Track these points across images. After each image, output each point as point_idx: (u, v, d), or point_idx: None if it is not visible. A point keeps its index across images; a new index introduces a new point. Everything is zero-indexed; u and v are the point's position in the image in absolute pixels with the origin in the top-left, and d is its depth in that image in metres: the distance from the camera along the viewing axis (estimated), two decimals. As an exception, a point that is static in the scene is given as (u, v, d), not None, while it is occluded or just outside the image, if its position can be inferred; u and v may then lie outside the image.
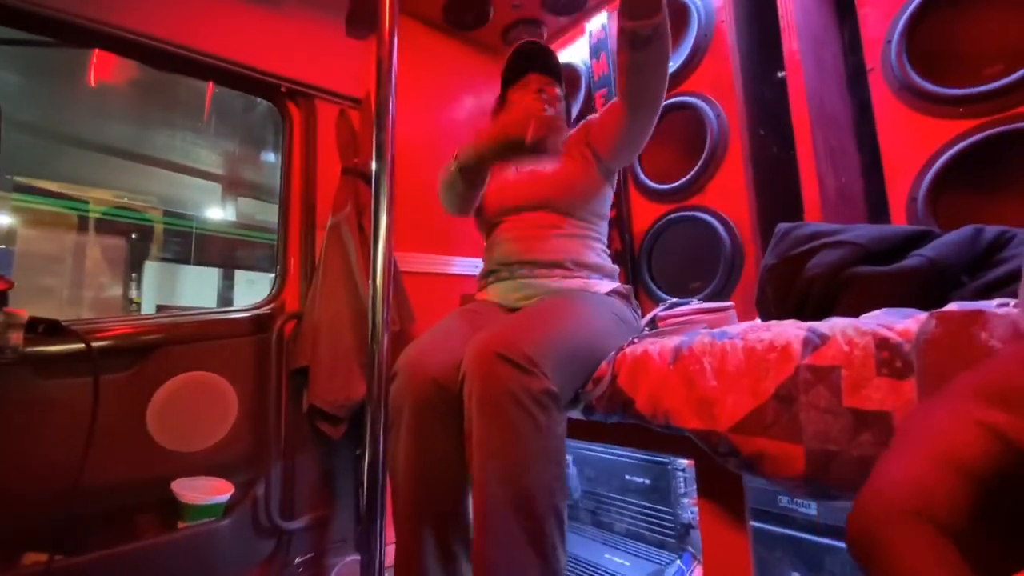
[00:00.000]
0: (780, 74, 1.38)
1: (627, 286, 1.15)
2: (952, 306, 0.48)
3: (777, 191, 1.42)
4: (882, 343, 0.58)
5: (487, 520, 0.74)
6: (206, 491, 1.17)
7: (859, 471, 0.57)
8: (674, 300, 1.26)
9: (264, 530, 1.27)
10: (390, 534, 0.91)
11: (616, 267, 1.21)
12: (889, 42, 1.16)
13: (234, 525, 1.19)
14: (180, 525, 1.13)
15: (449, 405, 0.87)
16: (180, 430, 1.18)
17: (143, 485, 1.14)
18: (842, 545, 0.89)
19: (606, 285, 1.12)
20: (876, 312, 0.66)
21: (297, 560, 1.32)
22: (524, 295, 1.10)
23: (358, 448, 1.42)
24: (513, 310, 1.09)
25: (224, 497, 1.18)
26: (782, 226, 0.95)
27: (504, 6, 1.78)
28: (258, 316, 1.36)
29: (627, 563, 1.17)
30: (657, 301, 1.49)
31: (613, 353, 0.88)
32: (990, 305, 0.42)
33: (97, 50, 1.76)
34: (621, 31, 0.96)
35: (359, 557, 1.01)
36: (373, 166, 0.97)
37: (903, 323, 0.59)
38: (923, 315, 0.53)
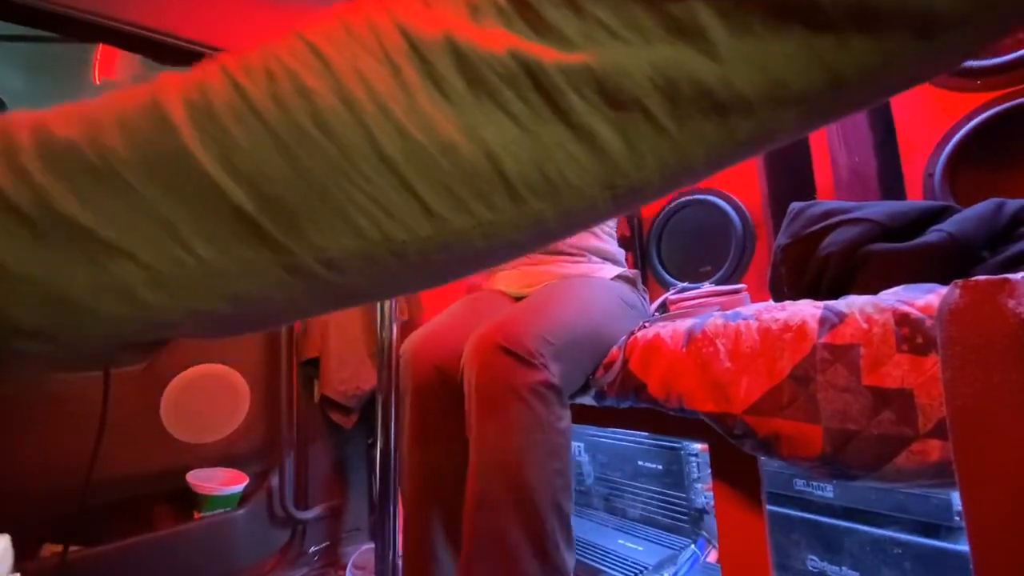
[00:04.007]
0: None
1: (634, 271, 1.13)
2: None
3: (788, 172, 1.40)
4: (902, 319, 0.57)
5: (480, 512, 0.72)
6: (221, 481, 1.18)
7: (879, 450, 0.56)
8: (685, 284, 1.24)
9: (279, 520, 1.28)
10: (402, 522, 0.91)
11: (622, 251, 1.19)
12: (904, 14, 1.13)
13: (249, 515, 1.21)
14: (196, 515, 1.14)
15: (451, 391, 0.87)
16: (194, 422, 1.19)
17: (158, 476, 1.15)
18: (861, 527, 0.88)
19: (611, 270, 1.11)
20: (895, 288, 0.64)
21: (312, 549, 1.33)
22: (527, 283, 1.09)
23: (369, 437, 1.43)
24: (519, 298, 1.08)
25: (239, 487, 1.19)
26: (795, 205, 0.93)
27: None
28: (267, 308, 1.36)
29: (641, 548, 1.16)
30: (667, 286, 1.48)
31: (624, 338, 0.87)
32: (1016, 276, 0.40)
33: (101, 46, 1.76)
34: None
35: (373, 545, 1.01)
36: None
37: (924, 298, 0.58)
38: (945, 289, 0.52)
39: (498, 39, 0.20)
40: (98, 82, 1.94)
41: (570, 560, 0.74)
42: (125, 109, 0.21)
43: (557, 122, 0.20)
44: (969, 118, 1.03)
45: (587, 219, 0.24)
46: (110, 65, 1.90)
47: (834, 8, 0.18)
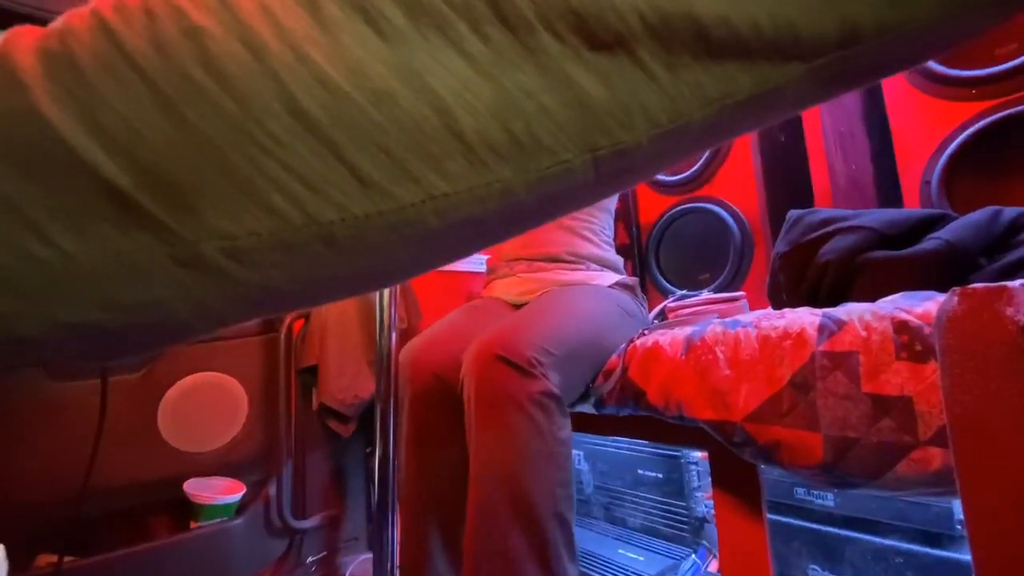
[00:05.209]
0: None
1: (633, 278, 1.13)
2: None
3: (786, 179, 1.40)
4: (901, 327, 0.57)
5: (481, 524, 0.71)
6: (218, 491, 1.17)
7: (880, 458, 0.56)
8: (683, 292, 1.24)
9: (276, 529, 1.27)
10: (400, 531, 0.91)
11: (620, 259, 1.19)
12: (899, 25, 1.14)
13: (246, 525, 1.20)
14: (193, 525, 1.13)
15: (450, 399, 0.86)
16: (191, 430, 1.18)
17: (155, 486, 1.14)
18: (862, 536, 0.88)
19: (609, 277, 1.11)
20: (894, 296, 0.65)
21: (310, 559, 1.32)
22: (526, 290, 1.09)
23: (368, 446, 1.42)
24: (518, 305, 1.08)
25: (236, 496, 1.18)
26: (793, 213, 0.93)
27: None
28: (266, 316, 1.36)
29: (641, 558, 1.15)
30: (665, 294, 1.48)
31: (623, 345, 0.87)
32: (1014, 283, 0.41)
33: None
34: None
35: (371, 555, 1.01)
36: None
37: (922, 306, 0.58)
38: (943, 296, 0.52)
39: None
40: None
41: (573, 571, 0.73)
42: None
43: (525, 65, 0.16)
44: (965, 127, 1.04)
45: (565, 191, 0.19)
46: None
47: None
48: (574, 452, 1.42)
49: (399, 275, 0.22)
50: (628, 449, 1.31)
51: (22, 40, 0.16)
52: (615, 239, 1.25)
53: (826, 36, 0.17)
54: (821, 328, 0.63)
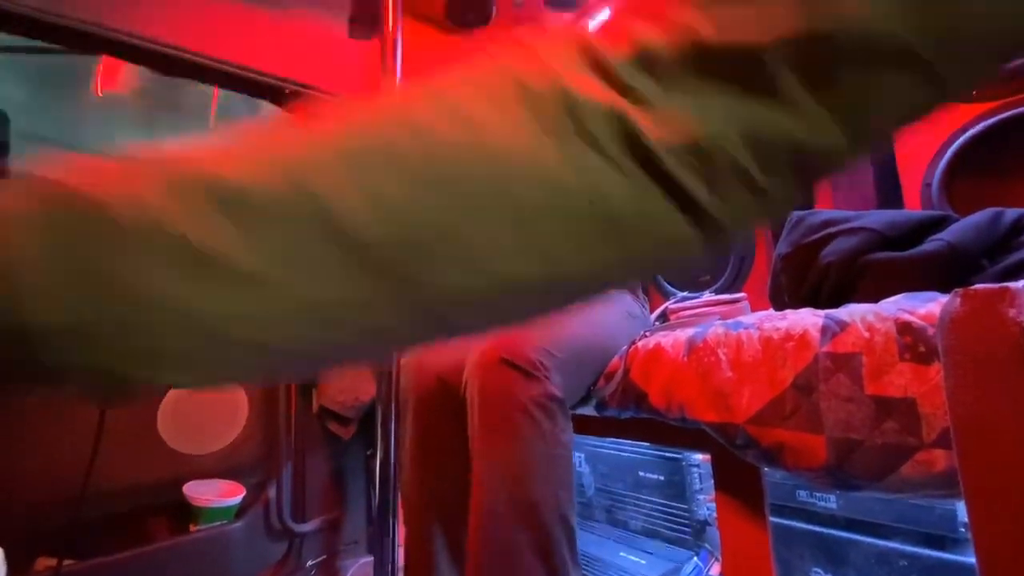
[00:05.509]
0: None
1: (636, 280, 1.13)
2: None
3: (787, 182, 1.40)
4: (904, 328, 0.57)
5: (485, 527, 0.71)
6: (218, 493, 1.17)
7: (884, 460, 0.56)
8: (685, 293, 1.24)
9: (276, 532, 1.26)
10: (403, 535, 0.90)
11: (623, 261, 1.19)
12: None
13: (246, 528, 1.19)
14: (192, 528, 1.12)
15: (454, 402, 0.86)
16: (191, 433, 1.18)
17: (155, 488, 1.13)
18: (865, 539, 0.87)
19: (613, 280, 1.11)
20: (896, 297, 0.64)
21: (309, 563, 1.31)
22: None
23: (369, 449, 1.41)
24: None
25: (236, 499, 1.18)
26: (795, 214, 0.93)
27: (506, 5, 1.78)
28: (267, 318, 1.36)
29: (643, 561, 1.15)
30: (667, 295, 1.48)
31: (625, 347, 0.87)
32: (1017, 284, 0.41)
33: (104, 58, 1.78)
34: None
35: (371, 558, 1.00)
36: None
37: (926, 307, 0.58)
38: (945, 297, 0.52)
39: (603, 95, 0.22)
40: (100, 94, 1.96)
41: (576, 574, 0.73)
42: (275, 141, 0.22)
43: (654, 182, 0.22)
44: (965, 129, 1.04)
45: (680, 263, 0.26)
46: (112, 77, 1.91)
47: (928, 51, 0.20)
48: (575, 454, 1.41)
49: (543, 317, 0.27)
50: (629, 452, 1.30)
51: (319, 118, 0.23)
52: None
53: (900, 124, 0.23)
54: (824, 329, 0.63)
